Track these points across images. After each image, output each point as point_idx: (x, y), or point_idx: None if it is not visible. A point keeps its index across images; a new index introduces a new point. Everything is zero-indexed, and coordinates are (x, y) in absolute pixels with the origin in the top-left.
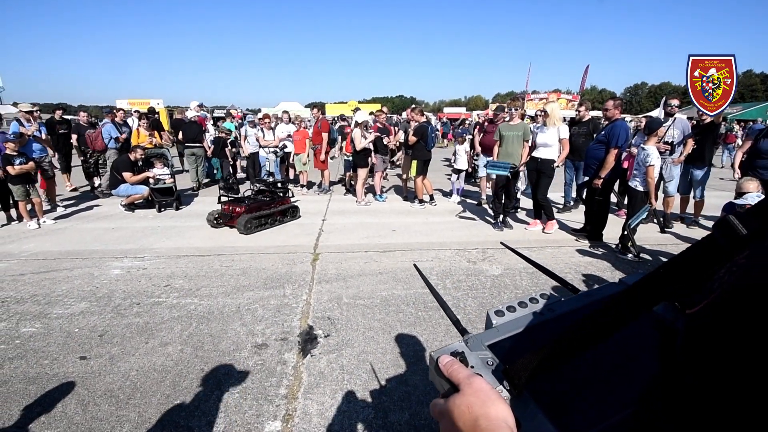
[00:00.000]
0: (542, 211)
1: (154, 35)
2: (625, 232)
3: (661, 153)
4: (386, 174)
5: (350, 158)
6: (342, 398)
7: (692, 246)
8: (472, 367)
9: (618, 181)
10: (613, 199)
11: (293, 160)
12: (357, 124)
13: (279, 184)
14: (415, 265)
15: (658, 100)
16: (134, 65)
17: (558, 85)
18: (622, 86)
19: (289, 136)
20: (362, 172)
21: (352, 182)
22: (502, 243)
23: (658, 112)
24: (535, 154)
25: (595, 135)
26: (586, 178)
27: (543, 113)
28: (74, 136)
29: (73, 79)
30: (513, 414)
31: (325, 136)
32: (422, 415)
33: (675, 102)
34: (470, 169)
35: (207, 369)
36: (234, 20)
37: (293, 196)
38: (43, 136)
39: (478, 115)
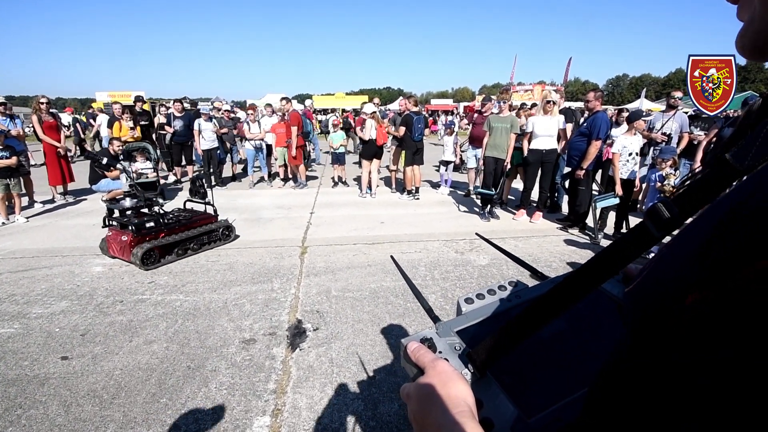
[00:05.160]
0: (539, 200)
1: (136, 25)
2: (588, 210)
3: (657, 143)
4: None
5: (338, 151)
6: (331, 391)
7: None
8: (440, 352)
9: (600, 171)
10: (596, 188)
11: (276, 153)
12: (373, 115)
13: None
14: (392, 256)
15: (639, 91)
16: (115, 56)
17: (542, 76)
18: (604, 78)
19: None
20: (367, 164)
21: (339, 175)
22: (477, 234)
23: (638, 104)
24: (537, 145)
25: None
26: (569, 170)
27: (550, 102)
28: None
29: (51, 71)
30: (475, 394)
31: (294, 129)
32: None
33: (678, 94)
34: (458, 161)
35: (193, 366)
36: (219, 10)
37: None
38: (20, 131)
39: (465, 107)
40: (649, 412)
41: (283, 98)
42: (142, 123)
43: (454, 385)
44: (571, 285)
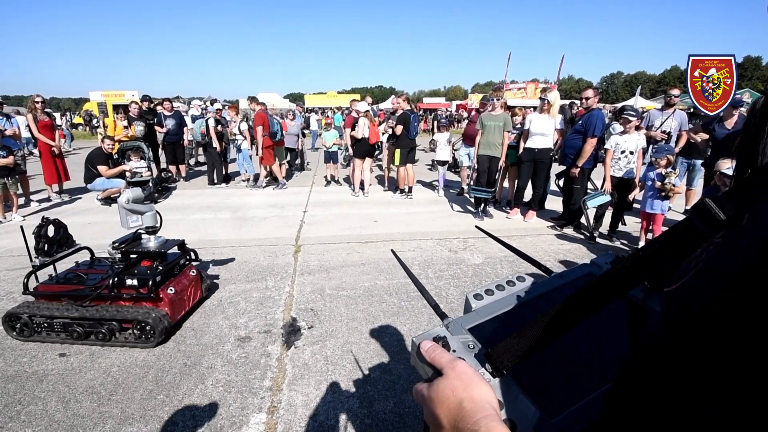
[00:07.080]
0: (532, 199)
1: (129, 24)
2: (579, 207)
3: (657, 141)
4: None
5: (330, 150)
6: (327, 389)
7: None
8: (454, 351)
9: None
10: (591, 187)
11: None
12: (366, 113)
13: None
14: (392, 250)
15: (634, 89)
16: (108, 56)
17: (535, 74)
18: (598, 76)
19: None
20: (359, 163)
21: (332, 174)
22: (477, 227)
23: (633, 101)
24: (531, 144)
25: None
26: (564, 168)
27: (545, 102)
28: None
29: (45, 71)
30: (495, 395)
31: (259, 129)
32: (406, 403)
33: (675, 92)
34: (450, 159)
35: (190, 363)
36: (211, 9)
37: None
38: (16, 131)
39: (458, 105)
40: (685, 412)
41: (249, 98)
42: (149, 122)
43: (476, 387)
44: (608, 285)
